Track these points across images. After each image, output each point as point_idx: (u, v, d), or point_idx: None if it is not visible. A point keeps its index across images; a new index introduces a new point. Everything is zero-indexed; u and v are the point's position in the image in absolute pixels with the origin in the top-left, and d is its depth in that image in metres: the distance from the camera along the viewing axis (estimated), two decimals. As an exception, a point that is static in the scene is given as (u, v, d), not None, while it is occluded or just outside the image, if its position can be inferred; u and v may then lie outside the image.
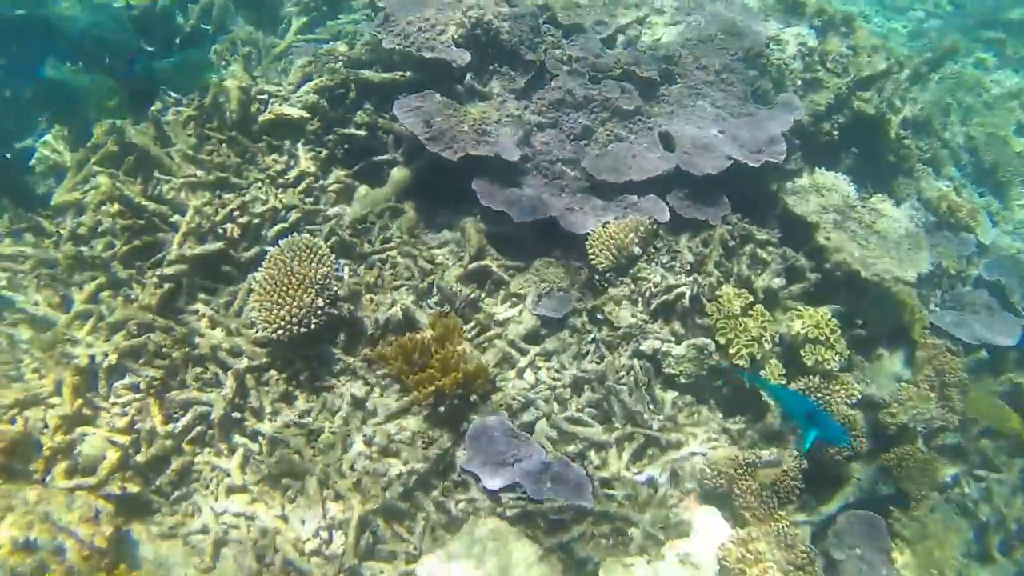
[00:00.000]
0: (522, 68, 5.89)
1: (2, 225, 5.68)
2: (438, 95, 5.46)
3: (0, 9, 6.29)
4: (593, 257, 5.07)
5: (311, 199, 5.28)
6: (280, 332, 4.32)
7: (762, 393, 5.05)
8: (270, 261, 4.51)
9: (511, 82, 5.82)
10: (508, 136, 5.35)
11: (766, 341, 5.08)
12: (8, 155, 6.98)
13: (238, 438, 4.41)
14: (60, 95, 5.91)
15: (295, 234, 4.80)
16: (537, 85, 5.91)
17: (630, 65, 5.99)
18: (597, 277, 5.09)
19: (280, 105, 5.46)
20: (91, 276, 4.98)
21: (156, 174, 5.25)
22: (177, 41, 6.73)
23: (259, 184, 5.24)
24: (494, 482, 4.28)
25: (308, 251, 4.52)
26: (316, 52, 5.90)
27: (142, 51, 6.22)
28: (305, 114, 5.43)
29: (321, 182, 5.39)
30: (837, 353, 5.24)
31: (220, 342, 4.60)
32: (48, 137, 6.00)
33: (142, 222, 5.03)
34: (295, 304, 4.34)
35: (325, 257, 4.55)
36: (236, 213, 4.92)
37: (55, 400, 4.40)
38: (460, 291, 4.93)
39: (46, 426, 4.31)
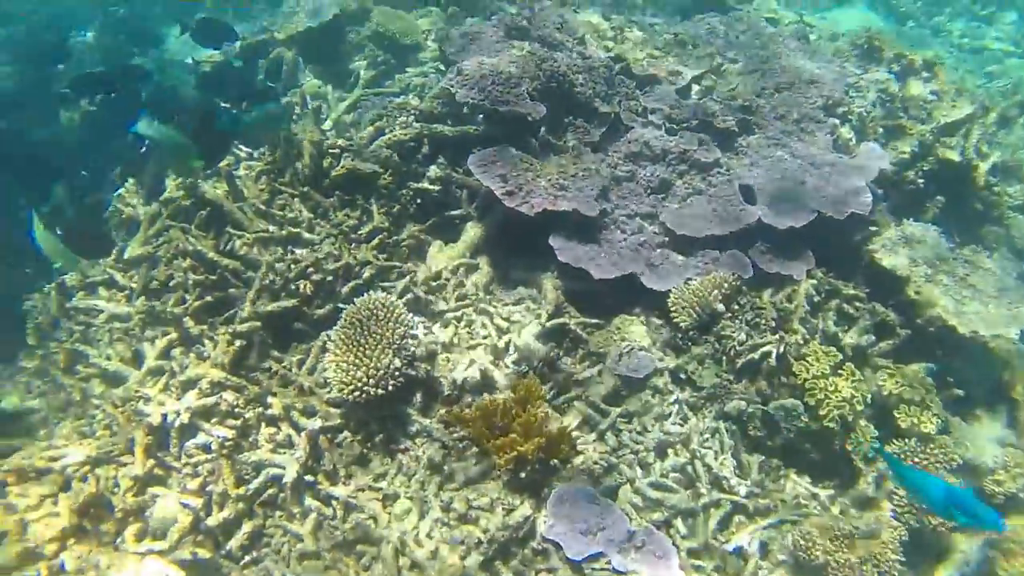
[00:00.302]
0: (597, 120, 5.77)
1: (76, 277, 5.69)
2: (513, 149, 5.36)
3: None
4: (675, 315, 4.88)
5: (384, 255, 5.18)
6: (357, 394, 4.19)
7: (859, 456, 4.77)
8: (346, 320, 4.39)
9: (586, 135, 5.70)
10: (585, 191, 5.20)
11: (857, 402, 4.81)
12: (85, 172, 7.08)
13: (311, 502, 4.26)
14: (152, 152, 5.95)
15: (370, 291, 4.68)
16: (613, 137, 5.78)
17: (707, 116, 5.84)
18: (679, 336, 4.89)
19: (353, 160, 5.39)
20: (163, 332, 4.92)
21: (228, 229, 5.19)
22: (249, 97, 6.76)
23: (332, 239, 5.16)
24: (577, 551, 4.07)
25: (385, 310, 4.40)
26: (387, 106, 5.84)
27: (221, 108, 6.25)
28: (378, 169, 5.35)
29: (395, 237, 5.29)
30: (933, 414, 4.95)
31: (293, 402, 4.48)
32: (122, 190, 6.02)
33: (214, 278, 4.98)
34: (372, 365, 4.21)
35: (402, 316, 4.42)
36: (310, 270, 4.82)
37: (127, 459, 4.32)
38: (538, 350, 4.76)
39: (117, 485, 4.23)
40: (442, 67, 7.26)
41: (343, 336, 4.33)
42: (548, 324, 4.95)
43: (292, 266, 4.86)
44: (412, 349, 4.44)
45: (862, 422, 4.88)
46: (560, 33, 6.01)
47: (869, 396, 4.95)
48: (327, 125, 6.70)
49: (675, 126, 5.81)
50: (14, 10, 9.52)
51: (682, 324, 4.84)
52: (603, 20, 6.72)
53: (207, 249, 5.03)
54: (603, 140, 5.75)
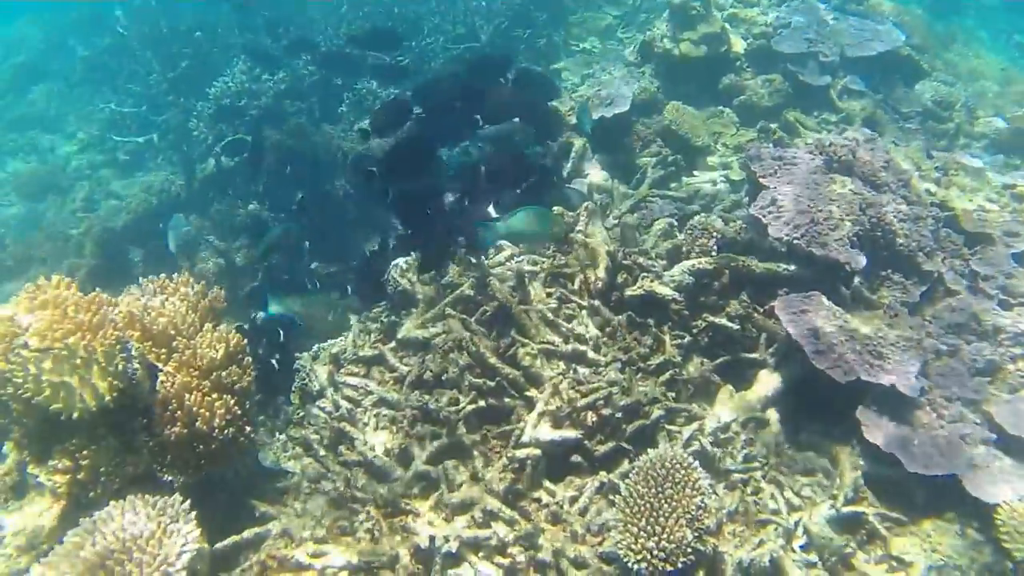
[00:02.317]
0: (917, 277, 5.13)
1: (350, 343, 5.61)
2: (825, 299, 4.82)
3: None
4: (1005, 540, 4.16)
5: (673, 393, 4.76)
6: (645, 566, 3.76)
7: None
8: (640, 476, 3.99)
9: (904, 292, 5.07)
10: (907, 364, 4.58)
11: None
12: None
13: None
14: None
15: (664, 444, 4.26)
16: (933, 299, 5.12)
17: (1049, 292, 5.08)
18: (1011, 566, 4.16)
19: (652, 281, 5.02)
20: (433, 432, 4.69)
21: (513, 334, 4.93)
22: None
23: (619, 365, 4.79)
24: None
25: (683, 471, 3.96)
26: (690, 226, 5.42)
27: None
28: (677, 296, 4.95)
29: (684, 374, 4.86)
30: None
31: (563, 547, 4.11)
32: (402, 262, 5.91)
33: (492, 384, 4.72)
34: (666, 537, 3.77)
35: (699, 483, 3.97)
36: (600, 402, 4.46)
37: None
38: (833, 542, 4.18)
39: (373, 603, 4.00)
40: (732, 176, 6.82)
41: (636, 495, 3.93)
42: (843, 509, 4.36)
43: (579, 395, 4.52)
44: (705, 521, 3.97)
45: None
46: (886, 173, 5.41)
47: None
48: (610, 222, 6.38)
49: (1010, 299, 5.07)
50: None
51: (1015, 555, 4.12)
52: (925, 158, 6.05)
53: (488, 352, 4.79)
54: (923, 301, 5.09)
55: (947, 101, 7.66)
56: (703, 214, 5.95)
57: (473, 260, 5.50)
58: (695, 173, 6.98)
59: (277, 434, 5.53)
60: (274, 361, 6.01)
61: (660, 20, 8.32)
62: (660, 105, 7.47)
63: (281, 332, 6.05)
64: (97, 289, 4.38)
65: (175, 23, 11.16)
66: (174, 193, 9.11)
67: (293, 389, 5.69)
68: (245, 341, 5.20)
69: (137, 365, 4.31)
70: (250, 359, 5.08)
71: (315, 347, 5.96)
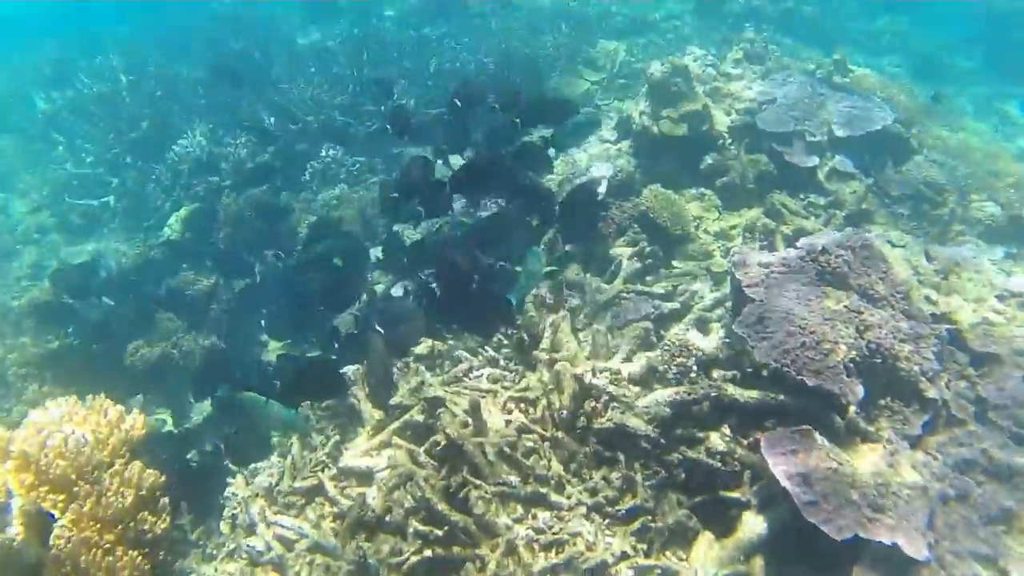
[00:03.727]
0: (919, 405, 4.52)
1: (288, 467, 4.96)
2: (819, 436, 4.19)
3: None
4: None
5: (644, 545, 4.10)
6: None
7: None
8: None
9: (904, 423, 4.45)
10: (911, 518, 3.95)
11: None
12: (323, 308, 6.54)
13: None
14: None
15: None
16: (937, 428, 4.51)
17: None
18: None
19: (623, 413, 4.38)
20: (371, 589, 4.03)
21: (465, 475, 4.27)
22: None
23: (583, 510, 4.14)
24: None
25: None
26: (667, 343, 4.79)
27: None
28: (650, 432, 4.31)
29: (657, 520, 4.20)
30: None
31: None
32: (350, 371, 5.28)
33: (440, 533, 4.06)
34: None
35: None
36: (560, 568, 3.80)
37: None
38: None
39: None
40: (713, 268, 6.23)
41: None
42: None
43: (535, 554, 3.86)
44: None
45: None
46: (883, 285, 4.81)
47: None
48: (581, 321, 5.77)
49: None
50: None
51: None
52: (923, 259, 5.47)
53: (436, 497, 4.13)
54: (925, 433, 4.47)
55: (938, 183, 7.11)
56: (681, 328, 5.35)
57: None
58: (674, 265, 6.37)
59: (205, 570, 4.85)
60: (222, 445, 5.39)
61: (639, 96, 7.78)
62: (638, 187, 6.89)
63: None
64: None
65: (138, 80, 10.56)
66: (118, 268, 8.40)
67: (223, 517, 5.02)
68: (163, 479, 4.54)
69: (19, 527, 3.62)
70: (167, 500, 4.42)
71: (251, 467, 5.29)
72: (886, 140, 7.44)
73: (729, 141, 7.28)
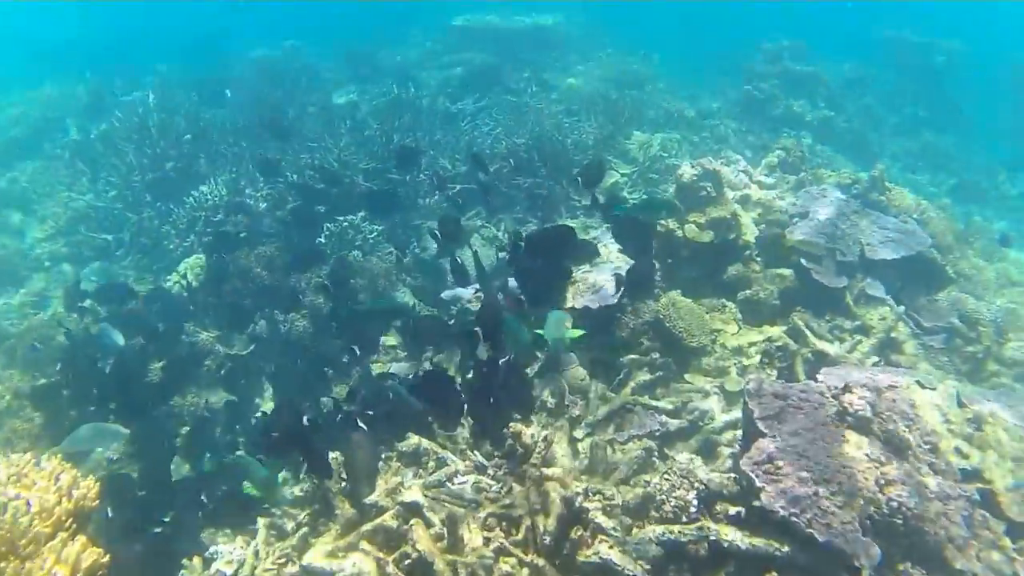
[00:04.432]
0: (944, 574, 4.05)
1: (250, 557, 4.55)
2: (826, 600, 3.73)
3: None
4: None
5: None
6: None
7: None
8: None
9: (922, 592, 3.98)
10: None
11: None
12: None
13: None
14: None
15: None
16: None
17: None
18: None
19: (611, 548, 3.95)
20: None
21: (432, 596, 3.85)
22: None
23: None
24: None
25: None
26: (668, 472, 4.37)
27: None
28: (639, 572, 3.87)
29: None
30: None
31: None
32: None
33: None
34: None
35: None
36: None
37: None
38: None
39: None
40: (728, 387, 5.84)
41: None
42: None
43: None
44: None
45: None
46: (909, 432, 4.38)
47: None
48: (578, 433, 5.36)
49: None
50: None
51: None
52: (955, 404, 5.03)
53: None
54: (944, 607, 3.99)
55: (973, 318, 6.70)
56: (684, 458, 4.94)
57: None
58: (687, 379, 5.97)
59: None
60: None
61: (665, 192, 7.50)
62: (656, 291, 6.53)
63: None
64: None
65: (169, 119, 10.44)
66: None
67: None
68: (105, 559, 4.13)
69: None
70: (110, 584, 4.01)
71: (212, 549, 4.89)
72: (920, 266, 7.07)
73: (756, 252, 6.94)
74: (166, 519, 4.99)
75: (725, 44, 16.09)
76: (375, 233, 8.68)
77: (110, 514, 4.89)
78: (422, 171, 9.28)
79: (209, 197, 9.08)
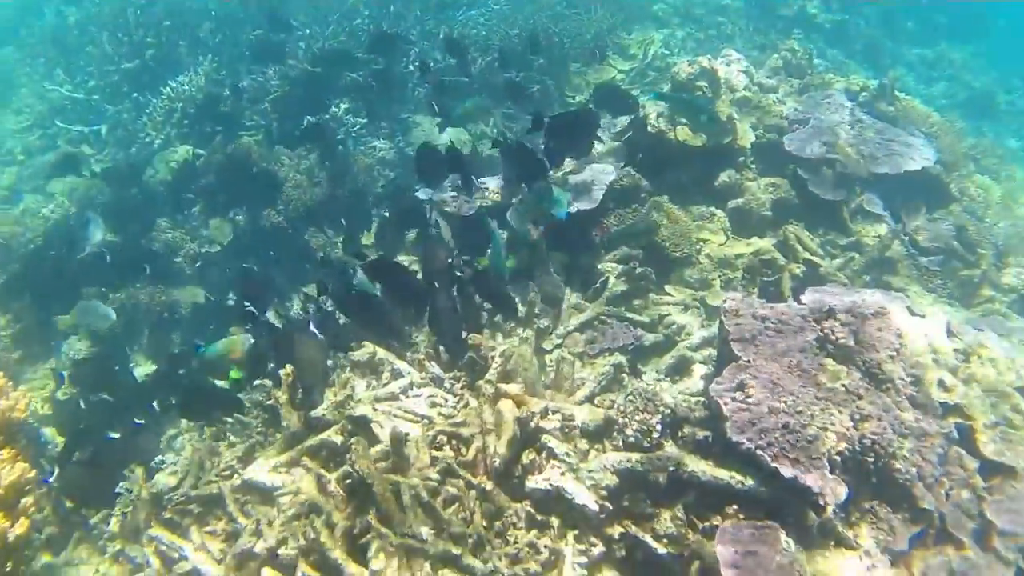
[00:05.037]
0: (910, 515, 3.76)
1: (195, 466, 4.31)
2: (784, 538, 3.46)
3: None
4: None
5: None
6: None
7: None
8: None
9: (890, 534, 3.70)
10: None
11: None
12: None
13: None
14: None
15: None
16: (926, 545, 3.76)
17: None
18: None
19: (564, 474, 3.66)
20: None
21: (371, 520, 3.57)
22: None
23: (498, 584, 3.45)
24: None
25: None
26: (632, 393, 4.03)
27: None
28: (590, 503, 3.59)
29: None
30: None
31: None
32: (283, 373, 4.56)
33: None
34: None
35: None
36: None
37: None
38: None
39: None
40: (709, 300, 5.47)
41: None
42: None
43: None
44: None
45: None
46: (892, 362, 4.02)
47: None
48: (548, 344, 5.04)
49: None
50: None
51: None
52: (944, 333, 4.66)
53: (331, 544, 3.46)
54: (911, 550, 3.72)
55: (973, 241, 6.26)
56: (649, 377, 4.61)
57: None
58: (667, 290, 5.60)
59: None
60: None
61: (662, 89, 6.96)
62: (642, 196, 6.09)
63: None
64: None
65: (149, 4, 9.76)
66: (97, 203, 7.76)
67: (114, 513, 4.38)
68: (32, 473, 3.88)
69: None
70: (31, 500, 3.75)
71: (157, 459, 4.64)
72: (923, 183, 6.59)
73: (751, 159, 6.45)
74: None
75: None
76: (358, 126, 8.20)
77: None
78: (410, 62, 8.72)
79: (187, 87, 8.53)
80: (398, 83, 8.56)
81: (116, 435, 4.79)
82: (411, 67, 8.69)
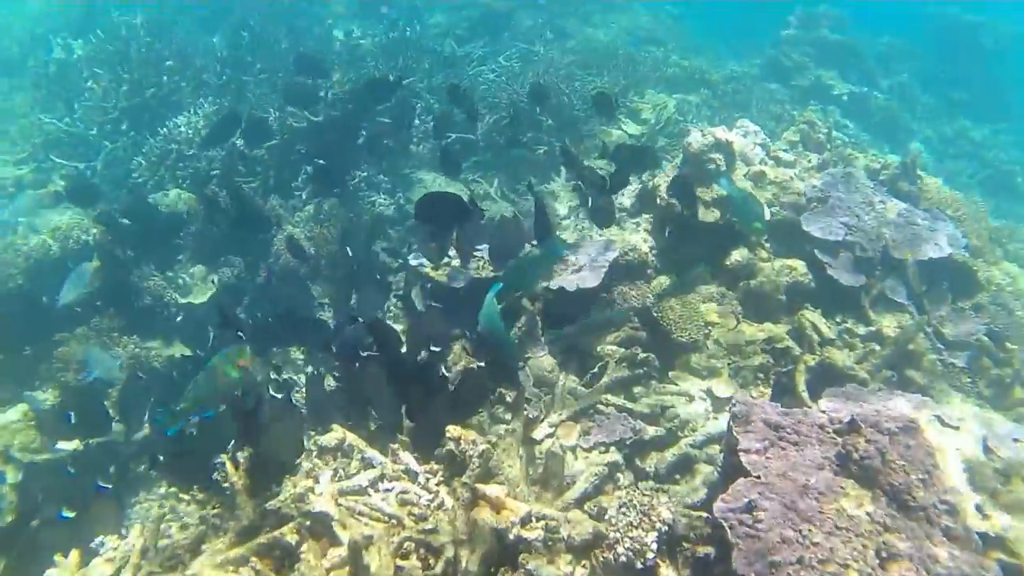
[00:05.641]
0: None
1: (135, 556, 3.81)
2: None
3: None
4: None
5: None
6: None
7: None
8: None
9: None
10: None
11: None
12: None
13: None
14: None
15: None
16: None
17: None
18: None
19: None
20: None
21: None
22: None
23: None
24: None
25: None
26: (625, 505, 3.52)
27: None
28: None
29: None
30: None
31: None
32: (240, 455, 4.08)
33: None
34: None
35: None
36: None
37: None
38: None
39: None
40: (715, 392, 4.98)
41: None
42: None
43: None
44: None
45: None
46: (924, 488, 3.51)
47: None
48: (538, 434, 4.55)
49: None
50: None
51: None
52: (981, 450, 4.15)
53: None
54: None
55: (1004, 336, 5.77)
56: (647, 487, 4.12)
57: None
58: (671, 378, 5.12)
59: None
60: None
61: (670, 163, 6.55)
62: (648, 273, 5.65)
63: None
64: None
65: (153, 43, 9.46)
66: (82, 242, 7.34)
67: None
68: None
69: None
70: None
71: (97, 540, 4.14)
72: (948, 270, 6.13)
73: (765, 238, 6.01)
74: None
75: (764, 8, 14.80)
76: (356, 179, 7.82)
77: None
78: (417, 115, 8.36)
79: (183, 129, 8.17)
80: (403, 135, 8.21)
81: (70, 515, 4.27)
82: (417, 120, 8.33)
